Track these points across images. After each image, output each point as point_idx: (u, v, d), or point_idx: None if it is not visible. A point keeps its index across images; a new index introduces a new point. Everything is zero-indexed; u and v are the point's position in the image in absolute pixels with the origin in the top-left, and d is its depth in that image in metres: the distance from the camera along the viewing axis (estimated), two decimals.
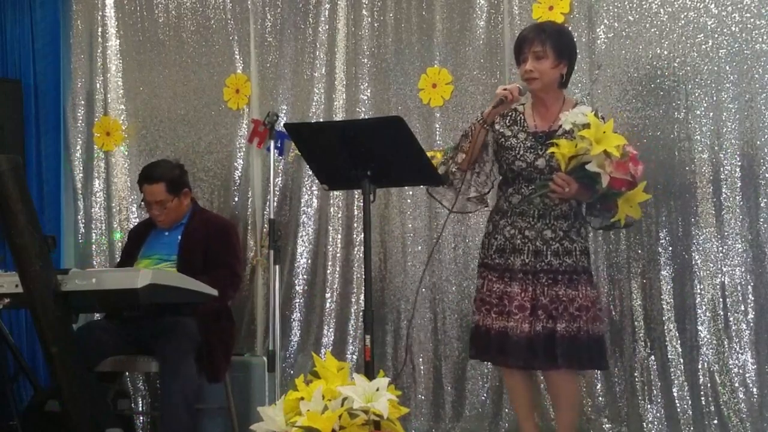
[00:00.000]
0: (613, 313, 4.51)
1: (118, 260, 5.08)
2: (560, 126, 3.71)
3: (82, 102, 5.69)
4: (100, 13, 5.65)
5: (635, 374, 4.47)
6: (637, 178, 3.64)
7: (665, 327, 4.42)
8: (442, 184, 3.87)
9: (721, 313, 4.34)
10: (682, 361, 4.39)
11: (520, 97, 3.72)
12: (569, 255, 3.74)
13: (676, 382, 4.39)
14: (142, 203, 4.83)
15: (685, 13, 4.45)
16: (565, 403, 3.83)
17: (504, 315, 3.72)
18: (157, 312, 4.40)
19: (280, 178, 5.19)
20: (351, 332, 5.03)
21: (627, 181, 3.60)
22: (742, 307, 4.31)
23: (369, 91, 5.07)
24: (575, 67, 4.57)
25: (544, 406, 4.50)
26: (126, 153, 5.60)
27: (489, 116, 3.75)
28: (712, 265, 4.36)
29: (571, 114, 3.61)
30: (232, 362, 4.65)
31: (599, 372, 4.43)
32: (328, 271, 5.10)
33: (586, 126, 3.55)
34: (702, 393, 4.34)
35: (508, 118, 3.84)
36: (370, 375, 3.27)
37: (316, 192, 5.16)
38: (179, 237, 4.70)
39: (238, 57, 5.35)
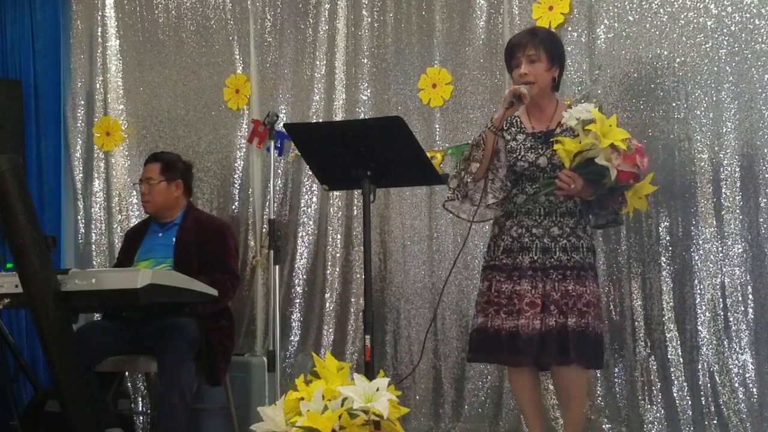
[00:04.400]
0: (613, 313, 4.51)
1: (115, 261, 5.08)
2: (558, 125, 3.76)
3: (82, 102, 5.69)
4: (100, 13, 5.65)
5: (635, 374, 4.46)
6: (643, 170, 3.68)
7: (665, 327, 4.42)
8: (442, 184, 3.88)
9: (721, 313, 4.34)
10: (682, 361, 4.39)
11: (527, 98, 3.73)
12: (577, 251, 3.75)
13: (676, 382, 4.38)
14: (139, 182, 4.85)
15: (685, 13, 4.44)
16: (575, 401, 3.82)
17: (514, 314, 3.71)
18: (157, 312, 4.40)
19: (280, 179, 5.18)
20: (351, 332, 5.03)
21: (634, 174, 3.64)
22: (742, 307, 4.31)
23: (369, 91, 5.07)
24: (575, 68, 4.59)
25: (544, 407, 4.50)
26: (126, 153, 5.60)
27: (498, 122, 3.74)
28: (712, 265, 4.36)
29: (575, 110, 3.63)
30: (232, 362, 4.65)
31: (599, 372, 4.42)
32: (328, 272, 5.10)
33: (592, 121, 3.57)
34: (702, 393, 4.33)
35: (506, 122, 3.85)
36: (370, 375, 3.27)
37: (316, 192, 5.16)
38: (173, 239, 4.69)
39: (238, 57, 5.35)
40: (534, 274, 3.73)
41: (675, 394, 4.38)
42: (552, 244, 3.75)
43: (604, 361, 3.92)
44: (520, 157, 3.78)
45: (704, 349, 4.35)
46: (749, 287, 4.31)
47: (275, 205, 4.83)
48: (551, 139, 3.72)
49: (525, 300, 3.70)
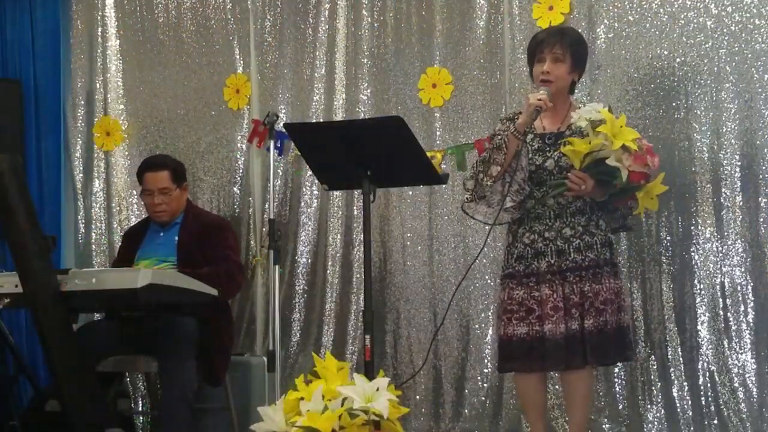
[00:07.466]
0: None
1: (114, 261, 5.07)
2: (569, 127, 3.74)
3: (82, 102, 5.69)
4: (100, 13, 5.65)
5: (635, 374, 4.46)
6: (654, 170, 3.68)
7: (665, 327, 4.42)
8: (442, 184, 3.87)
9: (721, 313, 4.34)
10: (682, 361, 4.39)
11: (550, 104, 3.70)
12: (591, 249, 3.73)
13: (676, 382, 4.39)
14: (141, 194, 4.81)
15: (685, 13, 4.44)
16: (582, 402, 3.82)
17: (531, 319, 3.70)
18: (157, 312, 4.40)
19: (280, 179, 5.18)
20: (351, 332, 5.03)
21: (645, 174, 3.64)
22: (742, 307, 4.31)
23: (369, 91, 5.07)
24: None
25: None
26: (126, 153, 5.60)
27: (522, 127, 3.68)
28: (712, 265, 4.36)
29: (584, 111, 3.62)
30: (231, 362, 4.65)
31: (599, 372, 4.42)
32: (328, 271, 5.10)
33: (601, 122, 3.57)
34: (702, 393, 4.34)
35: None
36: (370, 375, 3.27)
37: (316, 192, 5.16)
38: (176, 238, 4.69)
39: (238, 57, 5.35)
40: (552, 278, 3.72)
41: (675, 394, 4.38)
42: (566, 245, 3.73)
43: (635, 352, 3.91)
44: (528, 159, 3.76)
45: (704, 349, 4.35)
46: (749, 287, 4.31)
47: (275, 205, 4.83)
48: (560, 141, 3.71)
49: (548, 305, 3.69)
